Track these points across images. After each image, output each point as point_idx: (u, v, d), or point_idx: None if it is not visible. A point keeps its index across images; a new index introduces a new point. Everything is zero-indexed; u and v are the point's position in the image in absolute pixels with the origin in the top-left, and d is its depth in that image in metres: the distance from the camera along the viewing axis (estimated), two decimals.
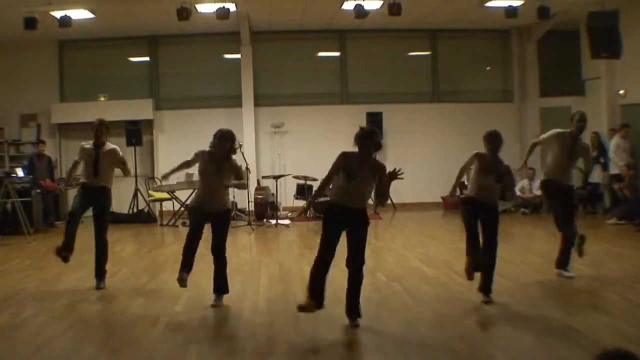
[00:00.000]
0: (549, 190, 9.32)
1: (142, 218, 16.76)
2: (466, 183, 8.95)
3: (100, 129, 9.36)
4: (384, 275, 9.42)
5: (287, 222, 15.50)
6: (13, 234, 13.82)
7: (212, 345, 6.39)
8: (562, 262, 9.03)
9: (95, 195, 9.25)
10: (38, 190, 15.12)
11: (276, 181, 16.10)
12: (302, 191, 16.55)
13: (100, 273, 9.17)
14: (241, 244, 13.03)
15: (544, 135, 9.53)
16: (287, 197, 17.34)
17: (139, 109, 17.77)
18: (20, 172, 15.61)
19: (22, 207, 13.79)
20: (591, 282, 8.78)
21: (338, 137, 18.03)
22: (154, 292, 8.75)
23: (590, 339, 6.11)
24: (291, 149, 17.71)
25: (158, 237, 14.51)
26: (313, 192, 7.43)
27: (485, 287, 7.83)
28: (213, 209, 7.96)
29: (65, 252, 9.13)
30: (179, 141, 17.43)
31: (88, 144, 9.43)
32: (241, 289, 8.71)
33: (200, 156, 8.19)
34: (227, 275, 8.14)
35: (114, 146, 9.57)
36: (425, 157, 18.34)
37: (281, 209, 16.89)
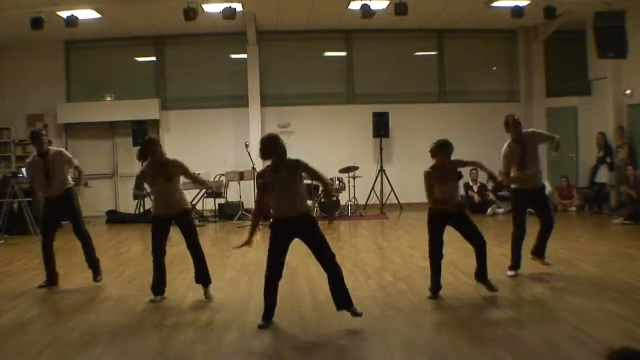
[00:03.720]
0: (521, 198, 9.42)
1: (148, 218, 16.68)
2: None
3: (41, 135, 9.28)
4: (390, 275, 9.42)
5: None
6: (19, 233, 13.85)
7: (219, 345, 6.39)
8: (539, 250, 9.37)
9: (61, 204, 9.33)
10: None
11: None
12: (309, 191, 16.53)
13: (94, 266, 9.41)
14: None
15: (502, 158, 9.38)
16: None
17: (145, 109, 17.80)
18: (26, 172, 15.63)
19: (29, 207, 13.81)
20: (597, 282, 8.74)
21: (344, 137, 18.10)
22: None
23: (596, 339, 6.09)
24: (297, 149, 17.46)
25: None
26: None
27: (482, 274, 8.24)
28: (171, 212, 8.33)
29: (50, 284, 9.27)
30: (186, 141, 17.50)
31: (31, 157, 9.48)
32: (248, 289, 8.71)
33: (143, 175, 8.35)
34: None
35: (59, 149, 9.61)
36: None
37: None
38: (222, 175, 16.47)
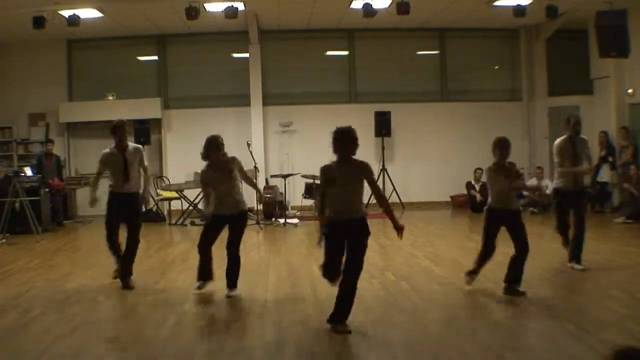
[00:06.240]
0: (562, 198, 9.64)
1: (150, 217, 16.75)
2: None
3: (123, 130, 9.04)
4: (393, 274, 9.40)
5: (295, 221, 15.50)
6: (22, 233, 13.83)
7: (221, 344, 6.38)
8: (574, 255, 9.40)
9: (128, 202, 9.08)
10: (47, 190, 15.15)
11: (284, 180, 16.11)
12: (311, 190, 16.53)
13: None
14: (249, 243, 13.02)
15: (556, 153, 9.69)
16: (295, 196, 17.34)
17: (148, 108, 17.81)
18: (28, 171, 15.64)
19: (31, 207, 13.80)
20: (599, 281, 8.74)
21: None
22: (163, 291, 8.75)
23: (599, 339, 6.08)
24: (299, 148, 17.72)
25: (166, 237, 14.52)
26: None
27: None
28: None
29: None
30: (188, 140, 17.47)
31: (109, 149, 9.12)
32: (249, 288, 8.70)
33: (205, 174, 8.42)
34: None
35: (137, 145, 9.45)
36: (434, 156, 18.34)
37: (289, 208, 16.89)
38: None
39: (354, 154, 6.75)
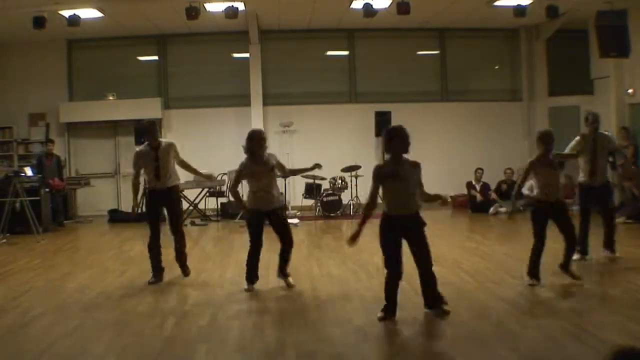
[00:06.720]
0: (587, 193, 10.15)
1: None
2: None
3: (153, 129, 9.13)
4: None
5: (295, 221, 15.48)
6: (22, 233, 13.82)
7: (221, 344, 6.38)
8: (609, 244, 10.09)
9: (165, 197, 9.28)
10: (47, 190, 15.14)
11: (284, 180, 16.10)
12: (311, 190, 16.55)
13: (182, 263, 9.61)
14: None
15: (571, 144, 10.03)
16: (295, 196, 17.34)
17: (148, 108, 17.78)
18: (29, 172, 15.64)
19: (31, 207, 13.79)
20: (600, 281, 8.74)
21: (346, 136, 18.10)
22: (163, 292, 8.75)
23: (600, 339, 6.08)
24: (300, 148, 17.69)
25: (166, 237, 14.47)
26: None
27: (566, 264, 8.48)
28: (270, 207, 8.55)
29: (158, 280, 9.29)
30: (188, 140, 17.44)
31: (141, 147, 9.28)
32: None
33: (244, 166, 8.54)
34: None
35: (170, 141, 9.49)
36: (434, 156, 18.26)
37: (290, 208, 16.89)
38: (225, 174, 16.46)
39: (407, 152, 7.00)
